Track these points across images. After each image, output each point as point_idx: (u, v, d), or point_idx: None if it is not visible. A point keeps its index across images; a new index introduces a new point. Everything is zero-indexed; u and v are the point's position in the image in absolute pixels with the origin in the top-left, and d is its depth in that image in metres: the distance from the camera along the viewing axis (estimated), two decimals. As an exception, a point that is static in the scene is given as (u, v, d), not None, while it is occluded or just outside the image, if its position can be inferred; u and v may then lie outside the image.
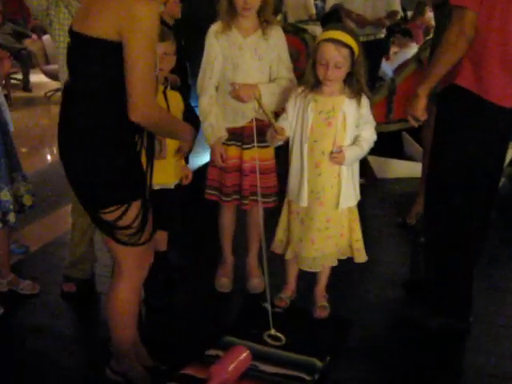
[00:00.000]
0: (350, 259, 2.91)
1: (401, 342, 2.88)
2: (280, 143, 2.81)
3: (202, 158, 5.18)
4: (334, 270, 3.01)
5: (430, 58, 3.96)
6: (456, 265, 2.81)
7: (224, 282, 3.29)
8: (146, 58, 1.95)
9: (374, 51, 5.20)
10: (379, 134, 5.61)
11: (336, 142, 2.69)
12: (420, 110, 2.71)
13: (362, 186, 4.83)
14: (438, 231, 2.83)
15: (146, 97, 1.97)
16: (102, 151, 2.08)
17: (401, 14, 6.16)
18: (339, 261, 2.93)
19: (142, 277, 2.36)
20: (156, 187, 2.96)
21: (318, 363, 2.59)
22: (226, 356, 2.45)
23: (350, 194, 2.81)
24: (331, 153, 2.68)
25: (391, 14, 5.29)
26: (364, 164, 5.06)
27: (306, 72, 2.76)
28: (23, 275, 3.29)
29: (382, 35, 5.29)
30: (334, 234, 2.83)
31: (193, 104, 3.26)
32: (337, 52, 2.60)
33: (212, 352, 2.60)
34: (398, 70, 6.00)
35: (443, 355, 2.76)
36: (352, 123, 2.71)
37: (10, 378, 2.57)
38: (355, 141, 2.75)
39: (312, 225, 2.79)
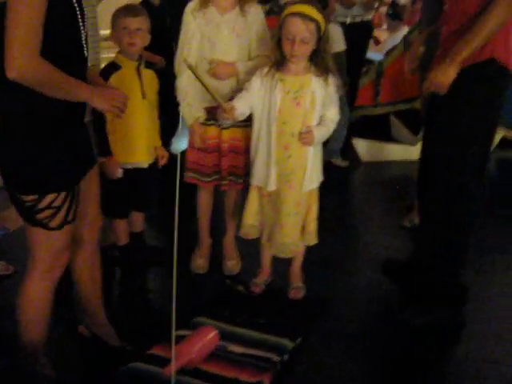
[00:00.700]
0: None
1: (377, 324, 2.86)
2: (229, 122, 2.77)
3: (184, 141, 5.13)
4: (318, 249, 2.98)
5: None
6: (452, 242, 2.75)
7: (200, 263, 3.26)
8: (25, 12, 1.80)
9: (361, 33, 5.15)
10: (366, 117, 5.72)
11: (304, 122, 2.65)
12: (450, 81, 2.46)
13: (346, 170, 4.93)
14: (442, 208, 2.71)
15: (23, 53, 1.81)
16: (4, 136, 1.99)
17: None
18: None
19: (55, 277, 2.19)
20: (128, 166, 2.97)
21: (289, 344, 2.57)
22: (193, 336, 2.44)
23: (315, 175, 2.78)
24: (300, 134, 2.64)
25: None
26: (348, 147, 5.07)
27: (271, 48, 2.71)
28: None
29: (370, 17, 5.20)
30: (301, 219, 2.80)
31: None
32: (304, 26, 2.54)
33: (181, 332, 2.57)
34: (387, 53, 5.96)
35: (417, 335, 2.74)
36: (320, 102, 2.66)
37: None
38: (321, 120, 2.71)
39: (282, 209, 2.75)
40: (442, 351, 2.65)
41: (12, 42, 1.80)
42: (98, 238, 2.47)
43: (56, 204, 2.01)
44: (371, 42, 6.28)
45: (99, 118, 2.85)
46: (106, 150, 2.92)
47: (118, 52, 2.93)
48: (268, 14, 5.67)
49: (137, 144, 2.95)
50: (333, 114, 2.73)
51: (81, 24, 1.98)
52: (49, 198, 2.00)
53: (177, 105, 3.62)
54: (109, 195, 3.01)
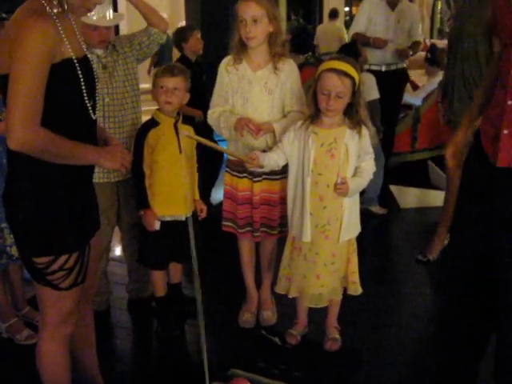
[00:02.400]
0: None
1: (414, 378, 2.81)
2: (256, 169, 2.80)
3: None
4: (355, 300, 2.97)
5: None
6: None
7: (247, 318, 3.27)
8: (24, 83, 1.79)
9: (397, 80, 5.20)
10: (404, 164, 5.71)
11: (339, 173, 2.67)
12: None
13: (384, 217, 4.91)
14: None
15: (23, 123, 1.80)
16: (13, 198, 2.01)
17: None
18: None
19: (66, 333, 2.18)
20: (167, 219, 3.02)
21: (324, 397, 2.55)
22: (227, 389, 2.44)
23: (352, 225, 2.79)
24: (335, 185, 2.67)
25: (414, 45, 5.23)
26: (386, 194, 5.05)
27: (306, 102, 2.76)
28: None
29: (404, 65, 5.25)
30: (338, 268, 2.81)
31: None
32: (340, 82, 2.58)
33: (216, 384, 2.59)
34: (425, 98, 5.98)
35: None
36: (354, 154, 2.69)
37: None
38: (356, 172, 2.73)
39: (318, 260, 2.76)
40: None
41: (11, 114, 1.81)
42: (92, 299, 2.48)
43: (68, 266, 2.03)
44: (409, 87, 6.33)
45: (138, 172, 2.94)
46: (143, 203, 2.99)
47: (157, 109, 3.01)
48: (304, 65, 5.81)
49: (174, 197, 3.00)
50: (368, 166, 2.76)
51: (84, 89, 1.97)
52: (61, 259, 2.01)
53: (215, 158, 3.68)
54: (148, 247, 3.11)
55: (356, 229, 2.84)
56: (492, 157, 2.06)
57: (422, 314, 3.36)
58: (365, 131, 2.71)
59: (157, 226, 3.02)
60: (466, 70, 3.65)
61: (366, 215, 4.62)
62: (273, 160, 2.77)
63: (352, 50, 4.47)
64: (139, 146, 2.95)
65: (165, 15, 10.28)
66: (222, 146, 2.71)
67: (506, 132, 1.99)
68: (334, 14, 10.44)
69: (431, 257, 3.99)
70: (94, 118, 2.06)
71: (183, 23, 8.92)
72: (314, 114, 2.72)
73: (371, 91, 4.62)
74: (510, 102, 1.98)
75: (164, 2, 11.32)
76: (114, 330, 3.29)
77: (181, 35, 4.70)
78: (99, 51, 3.00)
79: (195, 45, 4.69)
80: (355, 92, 2.65)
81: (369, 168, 2.76)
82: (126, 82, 3.07)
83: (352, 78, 2.62)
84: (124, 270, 3.57)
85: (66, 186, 2.02)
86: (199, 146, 3.17)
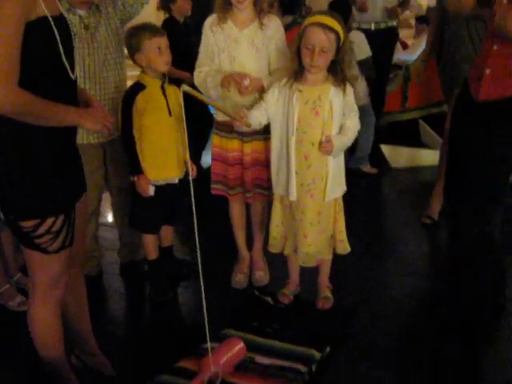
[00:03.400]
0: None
1: (408, 334, 2.84)
2: (242, 129, 2.76)
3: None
4: (346, 258, 2.97)
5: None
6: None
7: (240, 278, 3.27)
8: None
9: (387, 39, 5.12)
10: (395, 123, 5.69)
11: (324, 131, 2.64)
12: None
13: (376, 177, 4.90)
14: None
15: (0, 85, 1.75)
16: (4, 163, 1.96)
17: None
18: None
19: (56, 296, 2.17)
20: (160, 183, 3.00)
21: (317, 354, 2.56)
22: (220, 348, 2.45)
23: (337, 185, 2.78)
24: (320, 143, 2.64)
25: (403, 2, 5.18)
26: (377, 154, 5.04)
27: (290, 59, 2.71)
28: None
29: (394, 23, 5.16)
30: (325, 227, 2.80)
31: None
32: (324, 36, 2.54)
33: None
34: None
35: (449, 354, 2.67)
36: (339, 112, 2.66)
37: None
38: (341, 130, 2.71)
39: (304, 219, 2.75)
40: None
41: None
42: (83, 264, 2.46)
43: (55, 229, 2.02)
44: (399, 46, 6.27)
45: (128, 137, 2.90)
46: (136, 169, 2.95)
47: (142, 72, 2.95)
48: (292, 24, 5.71)
49: (167, 160, 2.97)
50: (352, 124, 2.73)
51: (61, 48, 1.92)
52: (48, 222, 2.00)
53: (206, 120, 3.62)
54: (140, 212, 3.09)
55: (341, 188, 2.82)
56: (475, 95, 2.49)
57: (416, 271, 3.37)
58: (349, 89, 2.68)
59: (151, 191, 2.99)
60: (462, 30, 3.60)
61: (357, 175, 4.67)
62: (256, 118, 2.72)
63: (342, 7, 4.40)
64: (128, 111, 2.89)
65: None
66: (214, 101, 2.67)
67: (488, 71, 2.42)
68: None
69: (435, 217, 3.96)
70: (72, 78, 2.01)
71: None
72: (297, 71, 2.67)
73: (362, 49, 4.56)
74: (495, 47, 2.39)
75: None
76: (106, 294, 3.30)
77: None
78: (82, 12, 2.92)
79: (183, 6, 4.59)
80: (340, 48, 2.60)
81: (353, 126, 2.73)
82: (108, 44, 3.00)
83: (337, 33, 2.57)
84: (115, 235, 3.55)
85: (48, 149, 1.99)
86: (188, 108, 3.13)
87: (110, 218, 3.99)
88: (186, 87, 2.54)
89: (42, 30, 1.87)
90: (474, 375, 2.56)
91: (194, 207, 2.29)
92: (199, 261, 2.35)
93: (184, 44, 4.26)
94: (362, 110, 4.58)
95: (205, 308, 2.30)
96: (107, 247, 3.56)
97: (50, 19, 1.88)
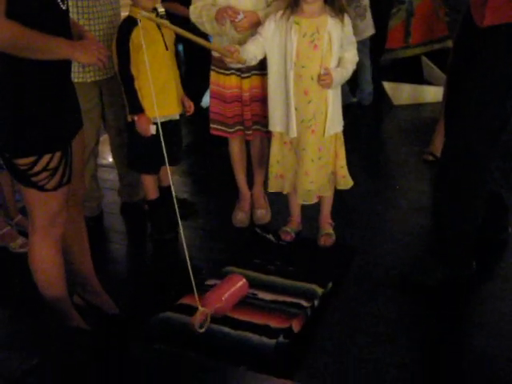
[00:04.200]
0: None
1: (408, 269, 2.80)
2: (236, 65, 2.68)
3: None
4: (348, 195, 2.95)
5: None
6: (469, 189, 2.66)
7: (241, 217, 3.26)
8: None
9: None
10: (397, 60, 5.58)
11: (323, 64, 2.57)
12: None
13: (379, 114, 4.84)
14: (456, 151, 2.59)
15: None
16: None
17: None
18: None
19: (55, 234, 2.16)
20: (162, 119, 2.89)
21: (319, 290, 2.57)
22: (222, 284, 2.45)
23: (337, 119, 2.72)
24: (319, 76, 2.57)
25: None
26: (379, 90, 4.96)
27: None
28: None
29: None
30: (325, 163, 2.77)
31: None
32: None
33: (210, 282, 2.61)
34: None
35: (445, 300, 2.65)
36: (337, 44, 2.58)
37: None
38: (339, 63, 2.64)
39: (305, 155, 2.71)
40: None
41: None
42: (83, 204, 2.44)
43: (52, 166, 1.99)
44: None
45: (126, 75, 2.82)
46: (137, 108, 2.87)
47: (132, 5, 2.86)
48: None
49: (168, 96, 2.90)
50: (351, 55, 2.66)
51: None
52: (44, 159, 1.97)
53: (205, 60, 3.51)
54: (140, 152, 3.04)
55: (340, 122, 2.77)
56: (479, 21, 2.42)
57: (418, 208, 3.35)
58: (347, 20, 2.60)
59: (153, 130, 2.91)
60: None
61: (359, 112, 4.60)
62: (251, 53, 2.63)
63: None
64: (124, 48, 2.80)
65: None
66: (200, 37, 2.57)
67: None
68: None
69: (437, 154, 3.90)
70: (63, 8, 1.94)
71: None
72: (293, 2, 2.58)
73: None
74: None
75: None
76: (107, 234, 3.30)
77: None
78: None
79: None
80: None
81: (352, 58, 2.67)
82: None
83: None
84: (115, 176, 3.53)
85: (42, 85, 1.94)
86: (188, 48, 3.04)
87: (109, 159, 3.95)
88: (143, 13, 2.45)
89: None
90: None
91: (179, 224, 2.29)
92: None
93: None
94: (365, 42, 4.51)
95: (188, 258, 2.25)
96: (107, 188, 3.55)
97: None
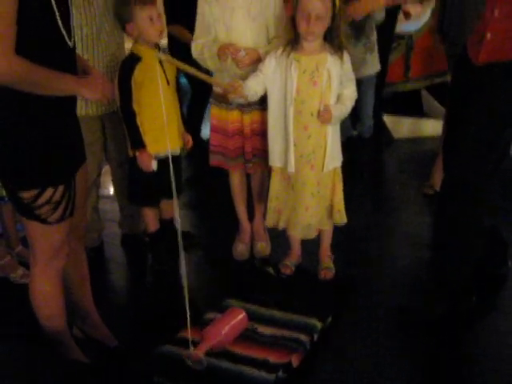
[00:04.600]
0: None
1: (408, 304, 2.80)
2: (238, 101, 2.73)
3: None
4: (348, 228, 2.96)
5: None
6: (468, 224, 2.67)
7: (241, 249, 3.27)
8: None
9: (388, 9, 5.02)
10: (398, 93, 5.63)
11: (322, 101, 2.62)
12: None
13: (379, 147, 4.87)
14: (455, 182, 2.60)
15: None
16: (4, 132, 1.94)
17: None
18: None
19: (57, 267, 2.17)
20: (162, 156, 2.92)
21: (318, 324, 2.56)
22: (222, 318, 2.45)
23: (335, 154, 2.76)
24: (319, 112, 2.61)
25: None
26: (379, 124, 5.00)
27: (286, 28, 2.68)
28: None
29: None
30: (324, 197, 2.79)
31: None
32: (319, 3, 2.50)
33: (210, 315, 2.61)
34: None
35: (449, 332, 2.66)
36: (336, 81, 2.63)
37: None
38: (339, 99, 2.68)
39: (305, 191, 2.74)
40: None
41: None
42: (84, 236, 2.44)
43: (55, 199, 2.00)
44: (401, 16, 6.17)
45: (128, 111, 2.84)
46: (138, 143, 2.89)
47: (135, 42, 2.89)
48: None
49: (169, 132, 2.83)
50: (350, 92, 2.70)
51: (58, 14, 1.87)
52: (47, 193, 1.98)
53: (204, 91, 3.55)
54: (140, 186, 3.05)
55: (339, 158, 2.80)
56: (474, 58, 2.49)
57: (418, 242, 3.35)
58: (346, 57, 2.65)
59: (154, 165, 2.92)
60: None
61: (360, 145, 4.62)
62: (252, 89, 2.68)
63: None
64: (126, 84, 2.82)
65: None
66: (204, 74, 2.62)
67: (488, 36, 2.41)
68: None
69: (437, 188, 3.91)
70: (70, 45, 1.98)
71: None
72: (293, 40, 2.63)
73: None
74: (496, 12, 2.39)
75: None
76: (107, 265, 3.32)
77: None
78: None
79: None
80: (335, 15, 2.57)
81: (351, 94, 2.71)
82: (105, 11, 2.94)
83: (332, 0, 2.53)
84: (116, 207, 3.55)
85: (48, 119, 1.97)
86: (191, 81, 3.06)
87: (110, 190, 3.98)
88: (162, 56, 2.49)
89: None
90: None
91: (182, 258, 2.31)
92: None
93: (189, 3, 4.13)
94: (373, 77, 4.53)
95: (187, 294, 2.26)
96: (108, 219, 3.56)
97: None
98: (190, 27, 3.05)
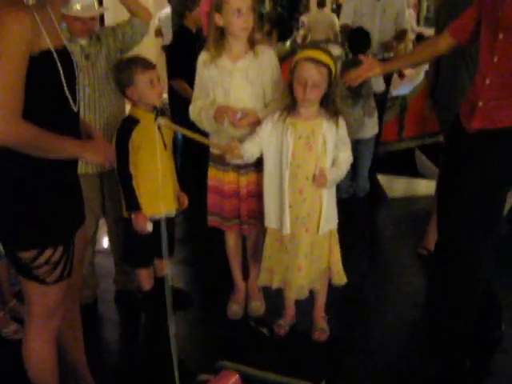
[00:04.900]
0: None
1: (403, 364, 2.82)
2: (235, 162, 2.78)
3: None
4: (345, 288, 2.96)
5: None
6: (461, 289, 2.69)
7: (235, 309, 3.26)
8: (3, 77, 1.75)
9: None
10: (391, 153, 5.71)
11: (318, 165, 2.66)
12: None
13: (373, 207, 4.91)
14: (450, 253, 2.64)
15: (4, 118, 1.76)
16: (3, 194, 1.96)
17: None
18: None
19: (52, 327, 2.16)
20: (157, 217, 2.88)
21: (312, 387, 2.55)
22: (215, 381, 2.43)
23: (331, 216, 2.79)
24: (314, 177, 2.65)
25: (400, 34, 5.14)
26: (374, 183, 5.05)
27: (283, 93, 2.74)
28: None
29: (391, 55, 5.18)
30: (318, 258, 2.81)
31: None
32: (316, 71, 2.57)
33: (203, 377, 2.57)
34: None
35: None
36: (332, 145, 2.68)
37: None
38: (333, 163, 2.73)
39: (298, 252, 2.76)
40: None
41: None
42: (79, 297, 2.44)
43: (53, 260, 2.01)
44: (395, 76, 6.31)
45: (125, 174, 2.86)
46: (134, 205, 2.90)
47: (133, 105, 2.93)
48: (291, 54, 5.77)
49: (165, 194, 2.90)
50: (345, 156, 2.75)
51: (64, 81, 1.93)
52: (46, 253, 1.99)
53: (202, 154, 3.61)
54: (134, 247, 3.05)
55: (335, 220, 2.83)
56: (467, 126, 2.54)
57: (413, 303, 3.36)
58: (342, 122, 2.70)
59: (149, 228, 2.92)
60: (459, 64, 3.59)
61: (354, 204, 4.67)
62: (248, 151, 2.73)
63: (363, 36, 4.47)
64: (124, 147, 2.84)
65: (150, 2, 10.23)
66: (202, 136, 2.67)
67: (480, 104, 2.48)
68: (321, 3, 10.57)
69: (431, 248, 3.91)
70: (75, 110, 2.03)
71: (167, 10, 8.85)
72: (290, 105, 2.69)
73: (378, 82, 4.54)
74: (487, 81, 2.46)
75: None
76: (101, 322, 3.29)
77: (186, 2, 4.53)
78: (83, 41, 2.96)
79: (198, 16, 4.49)
80: (331, 82, 2.63)
81: (346, 158, 2.76)
82: (108, 74, 3.02)
83: (328, 68, 2.60)
84: (111, 262, 3.54)
85: (49, 179, 1.99)
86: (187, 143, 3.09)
87: (106, 244, 3.98)
88: (161, 121, 2.54)
89: (46, 64, 1.88)
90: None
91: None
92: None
93: (195, 53, 4.20)
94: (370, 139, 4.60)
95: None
96: (103, 274, 3.55)
97: (54, 53, 1.90)
98: (192, 82, 3.09)
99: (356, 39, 4.57)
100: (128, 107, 3.09)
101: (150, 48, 9.35)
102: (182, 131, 2.51)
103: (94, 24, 3.01)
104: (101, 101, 2.99)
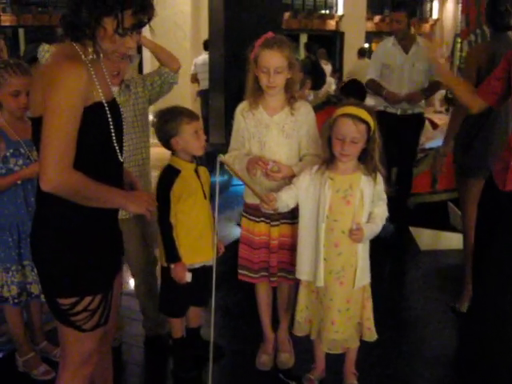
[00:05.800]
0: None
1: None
2: (269, 211, 2.77)
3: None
4: (376, 344, 2.91)
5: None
6: (496, 344, 2.64)
7: (264, 360, 3.23)
8: (58, 126, 1.83)
9: (411, 125, 5.03)
10: (424, 205, 5.68)
11: (354, 219, 2.66)
12: None
13: (404, 259, 4.87)
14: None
15: (57, 166, 1.83)
16: (40, 238, 2.03)
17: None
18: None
19: (86, 374, 2.18)
20: (196, 266, 2.97)
21: None
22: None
23: (366, 271, 2.77)
24: (350, 231, 2.65)
25: (433, 84, 4.96)
26: (406, 236, 5.02)
27: (321, 147, 2.77)
28: (57, 342, 3.32)
29: (421, 110, 5.09)
30: (353, 314, 2.78)
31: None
32: (354, 127, 2.59)
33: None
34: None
35: None
36: (369, 200, 2.68)
37: None
38: (370, 218, 2.72)
39: (332, 305, 2.74)
40: None
41: (46, 157, 1.84)
42: (112, 341, 2.46)
43: (92, 307, 2.04)
44: (428, 126, 6.28)
45: (166, 224, 2.87)
46: (174, 256, 2.91)
47: (173, 155, 2.96)
48: (326, 104, 5.81)
49: (204, 243, 2.92)
50: (381, 211, 2.74)
51: (113, 132, 2.00)
52: (86, 300, 2.02)
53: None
54: (173, 297, 3.05)
55: (368, 275, 2.81)
56: (501, 185, 2.60)
57: (442, 360, 3.29)
58: (379, 177, 2.70)
59: (188, 278, 2.91)
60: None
61: (387, 257, 4.63)
62: (283, 202, 2.74)
63: (356, 88, 4.47)
64: (165, 198, 2.86)
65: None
66: (253, 185, 2.72)
67: None
68: (362, 53, 11.00)
69: (463, 309, 3.80)
70: (121, 160, 2.08)
71: (203, 56, 9.07)
72: (328, 159, 2.71)
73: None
74: None
75: (187, 34, 11.50)
76: (128, 367, 3.27)
77: None
78: (114, 89, 3.00)
79: None
80: (370, 138, 2.65)
81: (382, 213, 2.74)
82: (134, 124, 3.06)
83: (367, 124, 2.62)
84: (135, 305, 3.53)
85: (92, 228, 2.03)
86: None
87: (132, 286, 3.98)
88: (222, 156, 2.58)
89: (97, 114, 1.95)
90: None
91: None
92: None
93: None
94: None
95: None
96: (130, 317, 3.54)
97: (105, 105, 1.96)
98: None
99: (350, 90, 4.56)
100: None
101: (186, 94, 9.54)
102: (239, 175, 2.57)
103: (124, 66, 3.01)
104: (126, 150, 3.00)
